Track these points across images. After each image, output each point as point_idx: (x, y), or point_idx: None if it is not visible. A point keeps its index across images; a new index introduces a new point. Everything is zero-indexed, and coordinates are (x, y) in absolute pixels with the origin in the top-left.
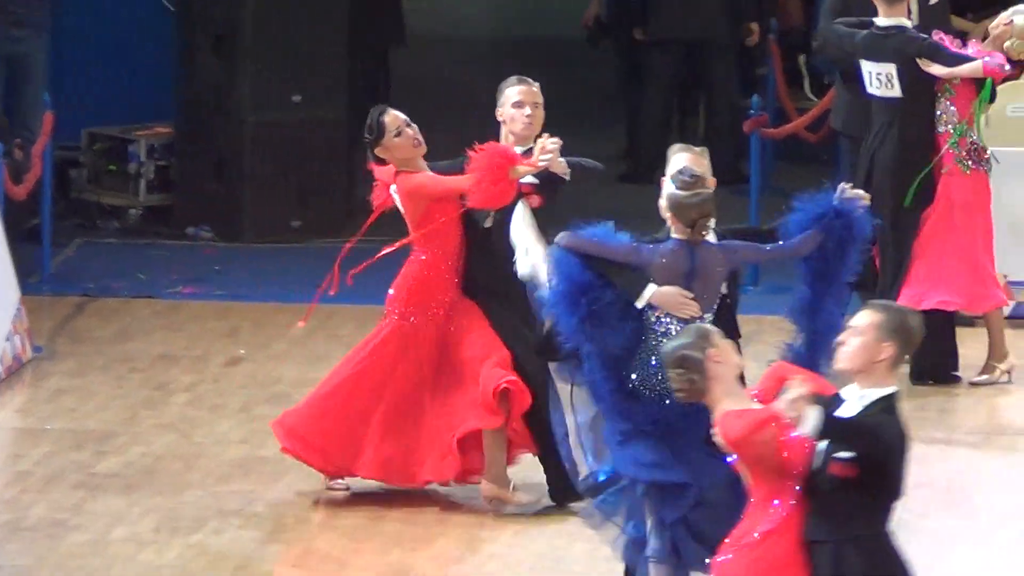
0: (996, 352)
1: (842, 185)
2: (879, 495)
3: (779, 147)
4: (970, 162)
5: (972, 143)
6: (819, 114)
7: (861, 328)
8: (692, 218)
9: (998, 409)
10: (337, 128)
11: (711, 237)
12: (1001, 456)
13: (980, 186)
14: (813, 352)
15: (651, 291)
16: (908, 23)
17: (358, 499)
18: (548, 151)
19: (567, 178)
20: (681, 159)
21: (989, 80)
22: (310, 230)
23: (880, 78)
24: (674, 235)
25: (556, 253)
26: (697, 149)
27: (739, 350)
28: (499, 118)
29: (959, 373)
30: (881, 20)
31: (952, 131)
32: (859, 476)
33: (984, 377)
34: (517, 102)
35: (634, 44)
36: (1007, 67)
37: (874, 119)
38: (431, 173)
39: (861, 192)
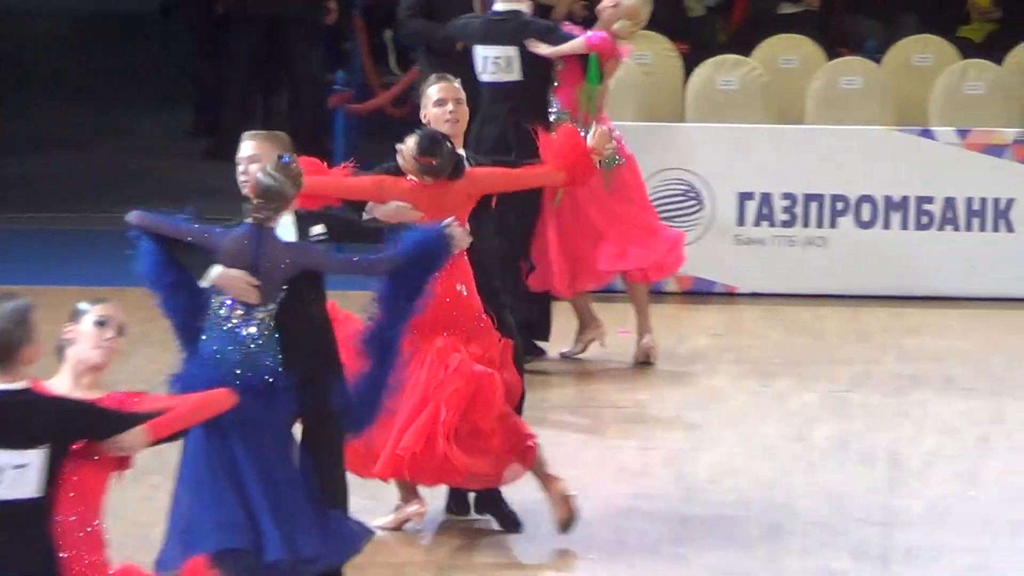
0: (587, 325)
1: (450, 219)
2: None
3: (364, 123)
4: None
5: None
6: (404, 89)
7: None
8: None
9: (585, 382)
10: None
11: (288, 220)
12: (588, 429)
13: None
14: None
15: (216, 271)
16: (525, 8)
17: None
18: (610, 137)
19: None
20: (248, 147)
21: (594, 60)
22: None
23: (499, 62)
24: (246, 219)
25: (134, 233)
26: (263, 133)
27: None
28: (423, 119)
29: (545, 346)
30: (499, 5)
31: (569, 122)
32: None
33: (569, 350)
34: (438, 100)
35: (213, 18)
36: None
37: (485, 107)
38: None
39: (462, 233)
